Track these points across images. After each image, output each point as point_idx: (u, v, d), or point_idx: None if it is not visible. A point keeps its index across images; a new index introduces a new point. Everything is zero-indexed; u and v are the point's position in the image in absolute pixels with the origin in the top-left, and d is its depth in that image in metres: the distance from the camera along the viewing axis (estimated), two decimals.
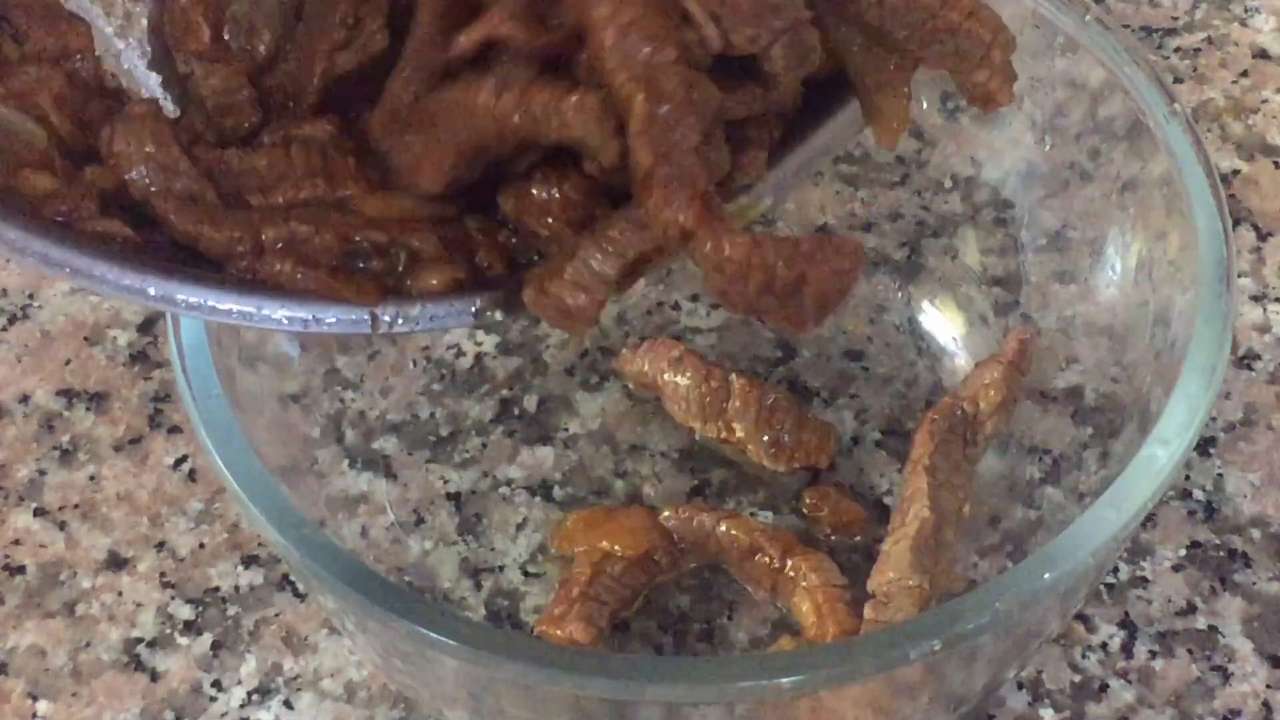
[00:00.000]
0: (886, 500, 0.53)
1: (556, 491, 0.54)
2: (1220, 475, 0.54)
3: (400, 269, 0.36)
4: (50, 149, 0.36)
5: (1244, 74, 0.66)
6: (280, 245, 0.35)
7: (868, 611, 0.47)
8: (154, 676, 0.51)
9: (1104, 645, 0.51)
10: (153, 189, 0.36)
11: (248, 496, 0.41)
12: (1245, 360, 0.57)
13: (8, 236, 0.35)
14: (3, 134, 0.36)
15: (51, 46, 0.37)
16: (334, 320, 0.36)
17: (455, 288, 0.36)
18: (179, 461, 0.56)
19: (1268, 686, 0.50)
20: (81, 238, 0.35)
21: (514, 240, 0.37)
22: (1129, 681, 0.50)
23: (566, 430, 0.55)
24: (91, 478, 0.56)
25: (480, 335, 0.58)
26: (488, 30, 0.35)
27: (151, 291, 0.35)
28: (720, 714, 0.41)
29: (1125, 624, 0.51)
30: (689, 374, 0.54)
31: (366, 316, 0.36)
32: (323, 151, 0.37)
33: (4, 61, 0.37)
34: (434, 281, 0.36)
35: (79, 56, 0.38)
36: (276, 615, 0.52)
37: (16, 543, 0.54)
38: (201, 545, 0.54)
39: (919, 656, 0.37)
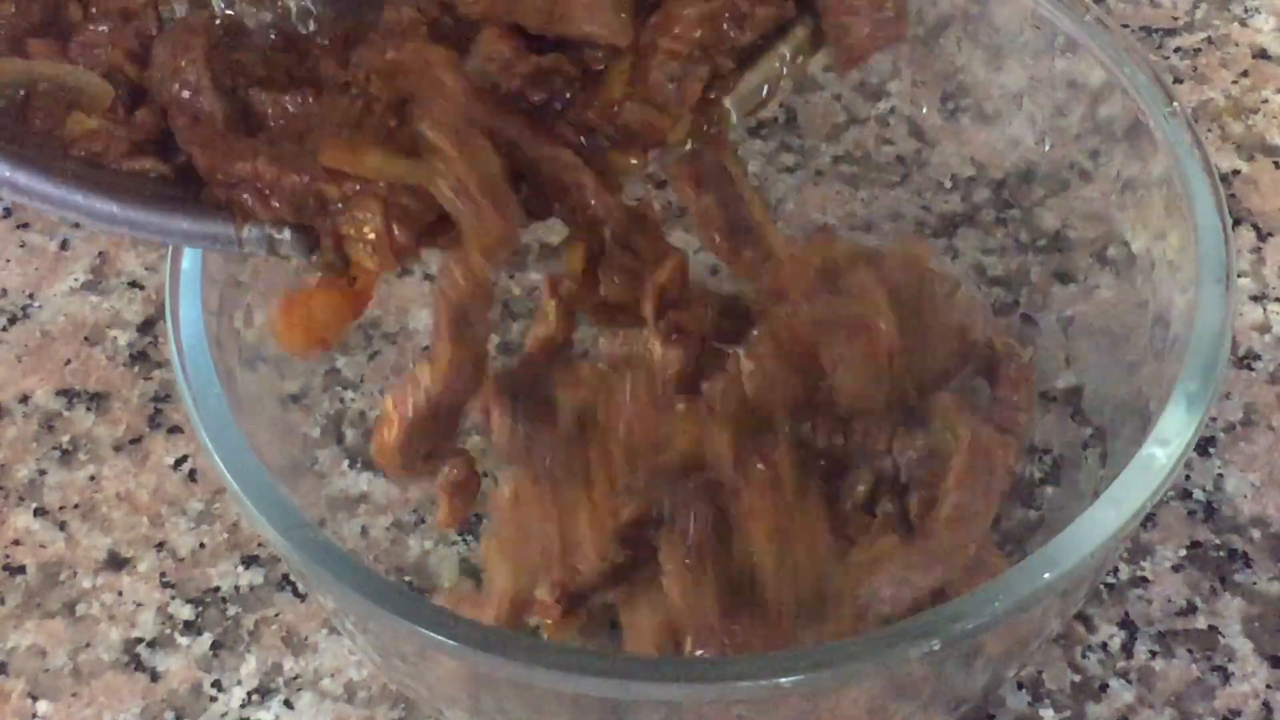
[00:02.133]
0: None
1: None
2: (1220, 475, 0.54)
3: (336, 253, 0.37)
4: (116, 102, 0.37)
5: (1244, 74, 0.66)
6: (245, 181, 0.36)
7: None
8: (154, 676, 0.51)
9: (1104, 645, 0.51)
10: (173, 100, 0.37)
11: (248, 496, 0.41)
12: (1245, 360, 0.57)
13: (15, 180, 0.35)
14: (69, 90, 0.37)
15: (114, 6, 0.38)
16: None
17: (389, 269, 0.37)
18: (179, 461, 0.56)
19: (1268, 686, 0.50)
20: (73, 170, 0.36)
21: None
22: (1129, 681, 0.50)
23: None
24: (91, 478, 0.56)
25: None
26: None
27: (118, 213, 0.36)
28: (720, 714, 0.41)
29: (1125, 624, 0.51)
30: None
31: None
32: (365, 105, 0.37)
33: (69, 23, 0.38)
34: (369, 266, 0.37)
35: (139, 17, 0.39)
36: (276, 615, 0.52)
37: (16, 543, 0.54)
38: (201, 545, 0.54)
39: (919, 656, 0.37)
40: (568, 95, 0.38)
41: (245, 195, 0.36)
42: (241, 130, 0.37)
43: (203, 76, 0.37)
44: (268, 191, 0.36)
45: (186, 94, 0.37)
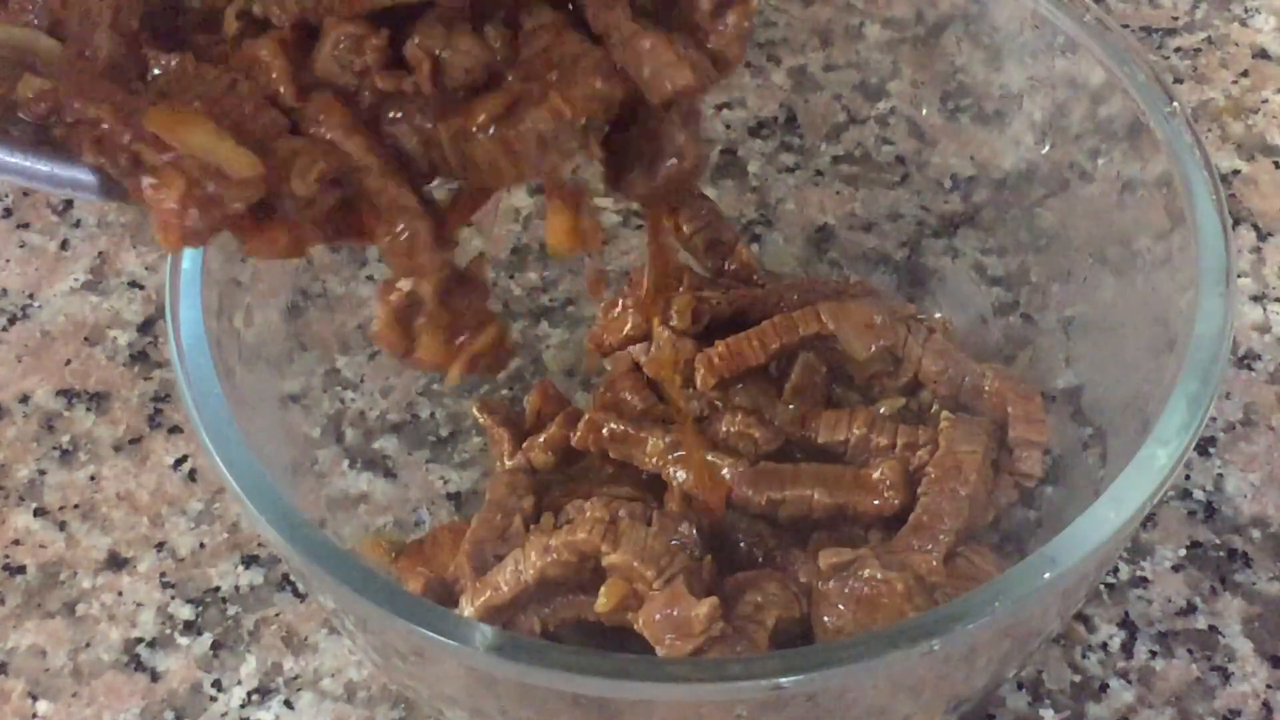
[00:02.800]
0: None
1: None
2: (1220, 475, 0.54)
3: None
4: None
5: (1244, 74, 0.66)
6: (83, 123, 0.35)
7: None
8: (154, 676, 0.51)
9: (1104, 645, 0.51)
10: (71, 31, 0.36)
11: (248, 496, 0.41)
12: (1245, 360, 0.57)
13: None
14: (23, 51, 0.36)
15: None
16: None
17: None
18: (179, 461, 0.56)
19: (1268, 686, 0.50)
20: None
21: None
22: (1129, 681, 0.50)
23: None
24: (91, 478, 0.56)
25: None
26: None
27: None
28: (720, 714, 0.41)
29: (1125, 624, 0.51)
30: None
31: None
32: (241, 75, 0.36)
33: None
34: (159, 240, 0.36)
35: None
36: (276, 615, 0.52)
37: (16, 543, 0.54)
38: (201, 545, 0.54)
39: (919, 656, 0.37)
40: (415, 99, 0.36)
41: (79, 137, 0.35)
42: (117, 79, 0.36)
43: (106, 12, 0.36)
44: (98, 139, 0.35)
45: (85, 27, 0.36)
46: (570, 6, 0.38)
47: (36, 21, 0.37)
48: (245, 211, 0.35)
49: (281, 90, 0.36)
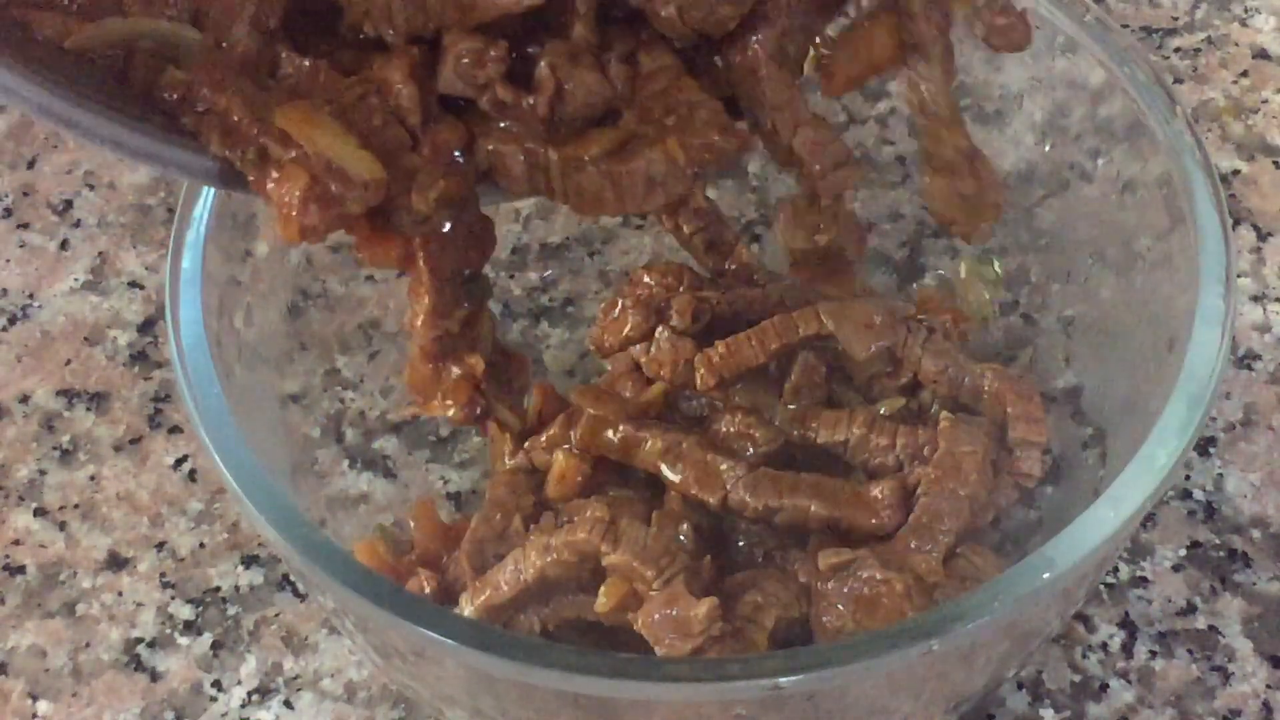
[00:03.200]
0: None
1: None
2: (1220, 475, 0.54)
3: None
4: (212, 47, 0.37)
5: (1244, 74, 0.66)
6: (213, 113, 0.37)
7: None
8: (154, 676, 0.51)
9: (1104, 645, 0.51)
10: (211, 19, 0.37)
11: (248, 496, 0.41)
12: (1245, 360, 0.57)
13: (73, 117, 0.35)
14: (168, 45, 0.37)
15: None
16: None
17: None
18: (179, 461, 0.56)
19: (1268, 686, 0.50)
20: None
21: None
22: (1129, 681, 0.50)
23: None
24: (91, 478, 0.56)
25: None
26: None
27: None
28: (720, 714, 0.41)
29: (1125, 624, 0.51)
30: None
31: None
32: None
33: None
34: (279, 232, 0.37)
35: None
36: (276, 615, 0.52)
37: (16, 543, 0.54)
38: (201, 545, 0.54)
39: (919, 656, 0.37)
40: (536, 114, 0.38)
41: (208, 126, 0.36)
42: (249, 73, 0.37)
43: (248, 6, 0.37)
44: (226, 130, 0.36)
45: (225, 18, 0.37)
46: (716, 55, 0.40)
47: (175, 13, 0.38)
48: (363, 215, 0.36)
49: (409, 117, 0.37)
